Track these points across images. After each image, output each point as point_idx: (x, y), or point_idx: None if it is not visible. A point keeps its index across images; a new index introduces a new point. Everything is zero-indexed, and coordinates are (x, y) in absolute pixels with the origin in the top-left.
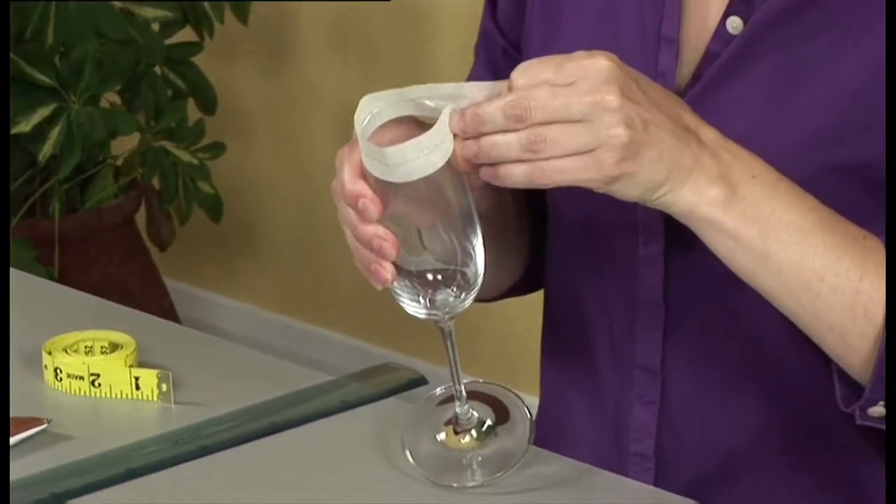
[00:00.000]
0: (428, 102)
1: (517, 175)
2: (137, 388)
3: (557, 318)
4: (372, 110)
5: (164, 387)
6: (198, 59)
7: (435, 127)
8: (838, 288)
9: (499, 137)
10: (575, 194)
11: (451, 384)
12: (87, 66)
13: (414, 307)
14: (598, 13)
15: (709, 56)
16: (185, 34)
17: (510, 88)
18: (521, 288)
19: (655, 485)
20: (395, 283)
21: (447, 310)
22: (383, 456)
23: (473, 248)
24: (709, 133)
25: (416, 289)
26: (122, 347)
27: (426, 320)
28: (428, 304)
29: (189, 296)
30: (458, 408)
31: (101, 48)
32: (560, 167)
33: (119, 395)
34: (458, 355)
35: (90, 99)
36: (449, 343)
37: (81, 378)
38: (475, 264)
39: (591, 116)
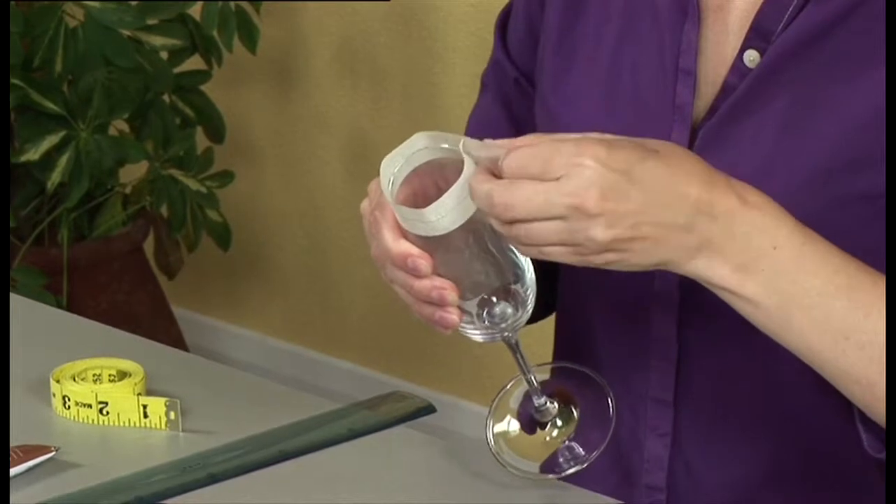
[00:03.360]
0: (443, 145)
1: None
2: (146, 416)
3: (569, 348)
4: (393, 170)
5: (172, 415)
6: (206, 88)
7: (457, 184)
8: (865, 344)
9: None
10: None
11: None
12: (95, 94)
13: (482, 335)
14: (614, 47)
15: (726, 89)
16: (194, 62)
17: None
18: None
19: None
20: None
21: (508, 322)
22: (391, 484)
23: (519, 261)
24: (725, 205)
25: (479, 318)
26: (130, 375)
27: (497, 341)
28: (490, 325)
29: (197, 324)
30: (537, 400)
31: (110, 76)
32: (545, 252)
33: (127, 423)
34: (528, 360)
35: (99, 127)
36: (518, 354)
37: (90, 406)
38: (525, 276)
39: (570, 218)
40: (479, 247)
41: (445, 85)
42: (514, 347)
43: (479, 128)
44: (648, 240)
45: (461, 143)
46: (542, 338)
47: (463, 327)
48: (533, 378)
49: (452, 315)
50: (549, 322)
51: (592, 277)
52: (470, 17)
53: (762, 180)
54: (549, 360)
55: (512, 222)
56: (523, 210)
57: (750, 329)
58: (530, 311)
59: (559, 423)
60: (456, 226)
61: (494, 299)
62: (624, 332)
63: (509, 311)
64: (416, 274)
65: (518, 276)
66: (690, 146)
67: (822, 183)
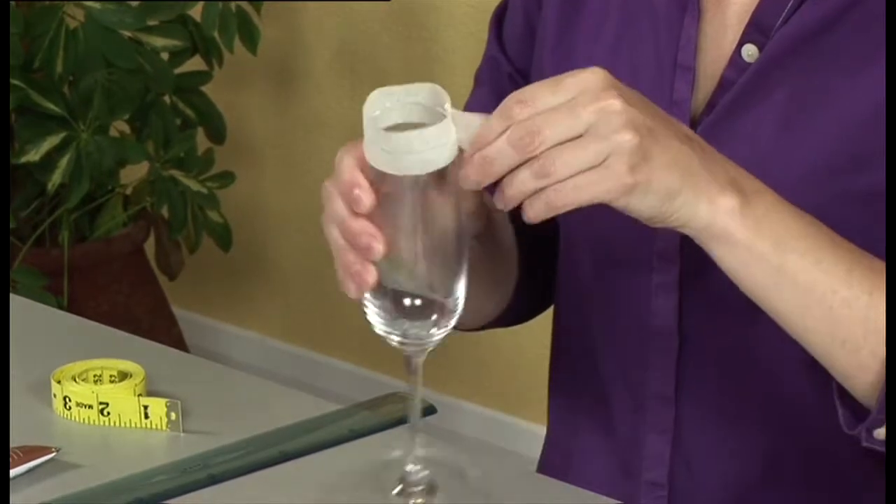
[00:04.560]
0: (438, 109)
1: (537, 208)
2: (146, 416)
3: (566, 345)
4: (384, 104)
5: (172, 415)
6: (207, 88)
7: (442, 123)
8: (850, 300)
9: (515, 179)
10: (589, 219)
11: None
12: (96, 94)
13: (384, 328)
14: (611, 45)
15: (724, 84)
16: (195, 63)
17: (503, 114)
18: (505, 319)
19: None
20: (370, 297)
21: (417, 340)
22: (392, 485)
23: (456, 277)
24: (706, 144)
25: (390, 311)
26: (130, 376)
27: (396, 346)
28: (398, 330)
29: (198, 325)
30: (409, 467)
31: (110, 77)
32: (576, 184)
33: (128, 424)
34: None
35: (99, 128)
36: (415, 378)
37: (90, 407)
38: (456, 295)
39: (598, 125)
40: (427, 233)
41: (445, 86)
42: (415, 370)
43: None
44: (664, 152)
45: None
46: (537, 336)
47: (371, 307)
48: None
49: (368, 275)
50: (544, 322)
51: (592, 270)
52: (470, 18)
53: (760, 175)
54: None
55: (541, 155)
56: (551, 133)
57: (752, 321)
58: (443, 335)
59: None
60: (413, 171)
61: (417, 304)
62: (624, 327)
63: (424, 331)
64: (357, 207)
65: (447, 291)
66: None
67: (822, 179)
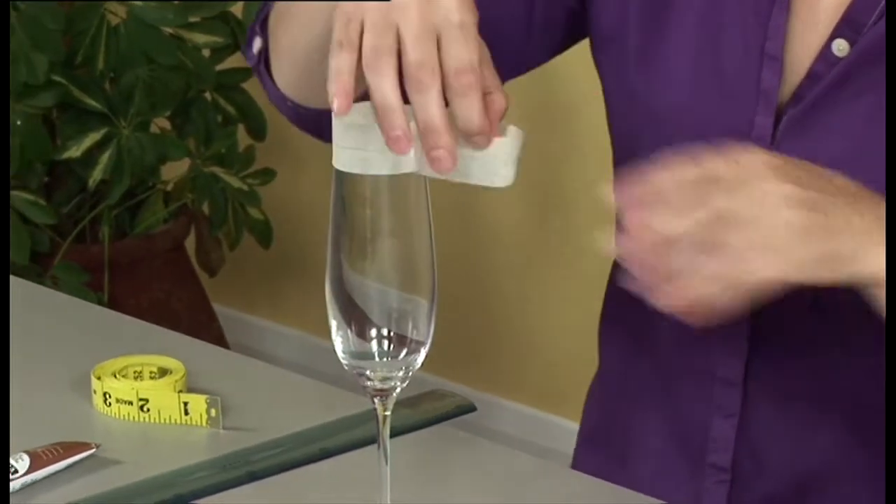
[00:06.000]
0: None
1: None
2: (186, 413)
3: (621, 318)
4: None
5: (212, 412)
6: (248, 85)
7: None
8: None
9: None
10: None
11: None
12: (137, 91)
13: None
14: (697, 27)
15: (811, 77)
16: (236, 60)
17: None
18: None
19: (730, 497)
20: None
21: (379, 371)
22: (431, 483)
23: (420, 314)
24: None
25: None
26: (171, 372)
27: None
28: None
29: (238, 321)
30: None
31: (152, 74)
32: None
33: (168, 421)
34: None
35: (140, 124)
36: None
37: (130, 403)
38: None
39: (702, 190)
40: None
41: None
42: (380, 421)
43: None
44: (837, 219)
45: None
46: (576, 334)
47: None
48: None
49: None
50: (583, 319)
51: None
52: None
53: (848, 171)
54: (584, 359)
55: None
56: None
57: (821, 304)
58: (401, 381)
59: None
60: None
61: (379, 332)
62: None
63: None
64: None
65: (413, 325)
66: (773, 132)
67: None
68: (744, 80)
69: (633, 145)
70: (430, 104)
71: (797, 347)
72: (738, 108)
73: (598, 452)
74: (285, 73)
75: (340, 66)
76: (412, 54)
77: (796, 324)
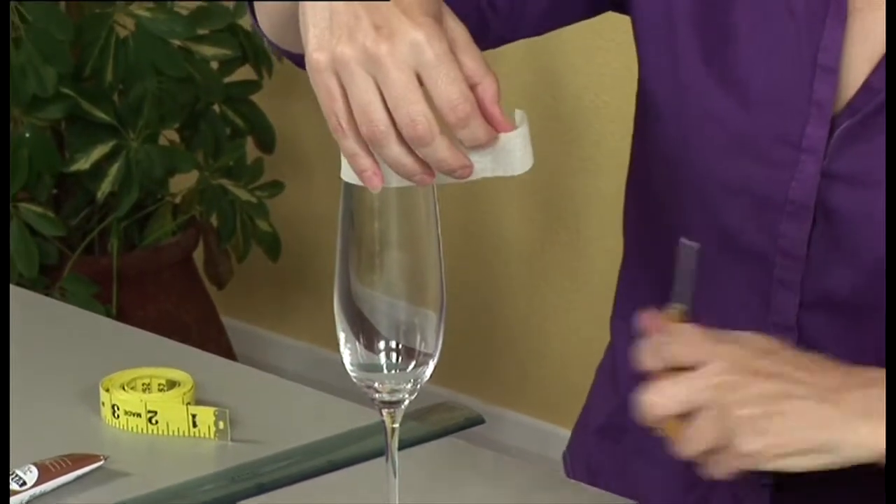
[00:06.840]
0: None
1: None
2: (194, 425)
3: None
4: None
5: (221, 424)
6: (256, 98)
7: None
8: None
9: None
10: (709, 207)
11: None
12: (145, 103)
13: (355, 374)
14: (747, 35)
15: (866, 89)
16: (244, 72)
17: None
18: None
19: (773, 499)
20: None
21: (388, 383)
22: (440, 495)
23: (428, 326)
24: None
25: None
26: (179, 385)
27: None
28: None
29: (246, 334)
30: None
31: (160, 86)
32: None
33: (176, 433)
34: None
35: (149, 137)
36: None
37: (139, 415)
38: (428, 346)
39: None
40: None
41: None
42: (389, 433)
43: None
44: (795, 416)
45: None
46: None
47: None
48: None
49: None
50: (589, 329)
51: (708, 259)
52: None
53: None
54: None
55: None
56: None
57: (866, 317)
58: (410, 394)
59: None
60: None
61: (388, 344)
62: (742, 314)
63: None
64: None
65: (420, 336)
66: (827, 143)
67: None
68: (795, 91)
69: (673, 148)
70: (436, 152)
71: (841, 356)
72: (789, 117)
73: (615, 442)
74: (264, 22)
75: (352, 150)
76: (401, 117)
77: (842, 335)
